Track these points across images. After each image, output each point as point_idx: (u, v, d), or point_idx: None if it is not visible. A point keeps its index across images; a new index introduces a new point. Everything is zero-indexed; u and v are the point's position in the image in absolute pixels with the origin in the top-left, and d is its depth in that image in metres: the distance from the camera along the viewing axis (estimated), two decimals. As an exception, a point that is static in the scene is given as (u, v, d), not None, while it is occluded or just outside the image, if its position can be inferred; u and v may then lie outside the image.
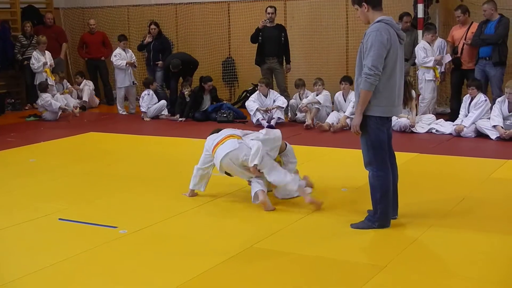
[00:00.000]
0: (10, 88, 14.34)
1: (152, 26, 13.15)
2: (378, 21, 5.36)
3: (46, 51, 13.17)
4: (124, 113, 13.12)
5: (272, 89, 11.57)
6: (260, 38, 11.80)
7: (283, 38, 11.80)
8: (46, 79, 12.90)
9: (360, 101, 5.31)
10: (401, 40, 5.47)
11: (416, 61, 10.76)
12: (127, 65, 12.88)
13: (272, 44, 11.74)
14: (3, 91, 13.95)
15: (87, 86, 13.87)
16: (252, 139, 6.36)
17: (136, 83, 13.22)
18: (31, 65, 12.99)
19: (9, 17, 14.49)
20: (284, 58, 11.93)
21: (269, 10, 11.80)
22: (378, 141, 5.40)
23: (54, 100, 12.37)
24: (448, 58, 10.60)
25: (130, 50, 13.29)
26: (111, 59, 13.05)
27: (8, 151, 9.54)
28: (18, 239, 5.62)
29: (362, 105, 5.31)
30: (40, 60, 12.99)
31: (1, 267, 4.94)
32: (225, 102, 12.37)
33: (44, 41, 13.12)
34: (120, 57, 12.96)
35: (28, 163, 8.55)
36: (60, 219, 6.06)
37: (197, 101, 11.99)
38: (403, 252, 5.02)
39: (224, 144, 6.38)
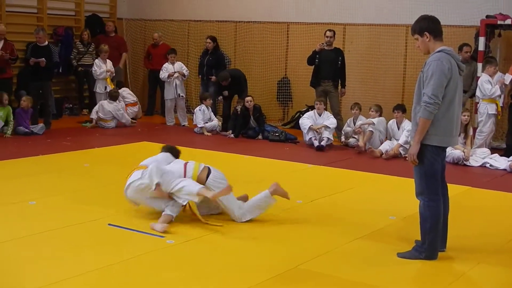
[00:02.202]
0: (68, 93, 14.70)
1: (208, 40, 13.32)
2: (439, 51, 5.34)
3: (107, 60, 13.46)
4: (171, 124, 13.32)
5: (326, 111, 11.57)
6: (317, 60, 11.82)
7: (339, 62, 11.80)
8: (106, 87, 13.19)
9: (419, 129, 5.27)
10: (461, 71, 5.43)
11: (478, 93, 10.61)
12: (169, 77, 13.08)
13: (328, 67, 11.75)
14: (62, 96, 14.29)
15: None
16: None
17: (182, 96, 13.37)
18: (93, 72, 13.30)
19: (73, 24, 14.87)
20: (339, 81, 11.91)
21: (328, 33, 11.82)
22: (432, 171, 5.35)
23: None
24: (509, 77, 10.42)
25: (181, 63, 13.47)
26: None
27: (64, 154, 9.77)
28: (67, 241, 5.73)
29: (420, 134, 5.27)
30: (102, 67, 13.29)
31: (47, 267, 5.04)
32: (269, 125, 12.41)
33: (106, 50, 13.42)
34: (167, 70, 13.19)
35: (82, 167, 8.73)
36: (109, 224, 6.16)
37: (245, 119, 12.07)
38: (449, 286, 4.95)
39: (130, 176, 6.37)
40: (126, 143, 10.88)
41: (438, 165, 5.42)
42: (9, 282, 4.70)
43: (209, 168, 6.48)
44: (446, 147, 5.55)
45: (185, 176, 6.32)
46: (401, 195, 7.64)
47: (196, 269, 5.10)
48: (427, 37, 5.40)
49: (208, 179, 6.37)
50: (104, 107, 12.66)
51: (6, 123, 11.26)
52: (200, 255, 5.46)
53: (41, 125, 11.80)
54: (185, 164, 6.48)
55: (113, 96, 12.82)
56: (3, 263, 5.09)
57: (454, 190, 6.99)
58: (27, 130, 11.43)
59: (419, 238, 5.50)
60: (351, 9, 12.95)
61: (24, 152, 9.81)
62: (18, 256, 5.28)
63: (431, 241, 5.40)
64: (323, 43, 11.85)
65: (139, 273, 4.99)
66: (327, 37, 11.80)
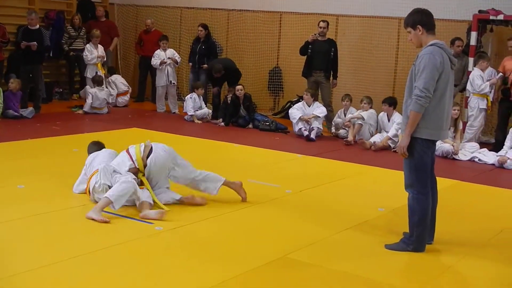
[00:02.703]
0: (59, 78, 14.63)
1: (200, 28, 13.29)
2: (431, 44, 5.35)
3: (99, 45, 13.39)
4: (161, 111, 13.31)
5: (317, 101, 11.59)
6: (309, 51, 11.81)
7: (332, 53, 11.80)
8: (97, 72, 13.14)
9: (409, 122, 5.29)
10: (453, 65, 5.44)
11: (468, 88, 10.65)
12: (161, 65, 13.04)
13: (320, 58, 11.74)
14: (52, 80, 14.22)
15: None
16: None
17: (174, 83, 13.33)
18: (84, 57, 13.24)
19: (65, 8, 14.77)
20: (331, 72, 11.92)
21: (321, 24, 11.81)
22: (422, 164, 5.37)
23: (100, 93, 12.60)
24: (500, 75, 10.50)
25: (173, 50, 13.43)
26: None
27: (53, 139, 9.74)
28: (56, 225, 5.72)
29: (411, 127, 5.29)
30: (93, 53, 13.23)
31: (36, 251, 5.03)
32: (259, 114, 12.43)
33: (97, 35, 13.36)
34: (158, 57, 13.14)
35: (71, 152, 8.69)
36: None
37: (235, 108, 12.06)
38: (436, 279, 4.98)
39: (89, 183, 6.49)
40: (116, 129, 10.84)
41: (428, 158, 5.44)
42: (-3, 265, 4.70)
43: (151, 148, 6.49)
44: (436, 141, 5.57)
45: (132, 161, 6.40)
46: (390, 187, 7.67)
47: (184, 256, 5.11)
48: (419, 30, 5.40)
49: (148, 159, 6.40)
50: (98, 96, 12.58)
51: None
52: (188, 242, 5.46)
53: (30, 108, 11.73)
54: (128, 151, 6.51)
55: (98, 82, 12.74)
56: (-10, 246, 5.07)
57: (442, 184, 7.03)
58: (16, 113, 11.36)
59: (407, 230, 5.53)
60: (345, 0, 12.93)
61: (13, 135, 9.75)
62: (7, 239, 5.26)
63: (419, 233, 5.43)
64: (315, 34, 11.84)
65: (128, 258, 4.99)
66: (321, 27, 11.79)
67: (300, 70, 12.25)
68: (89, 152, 6.95)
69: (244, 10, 14.22)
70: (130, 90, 14.00)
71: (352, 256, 5.35)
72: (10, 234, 5.42)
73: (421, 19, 5.41)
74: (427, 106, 5.23)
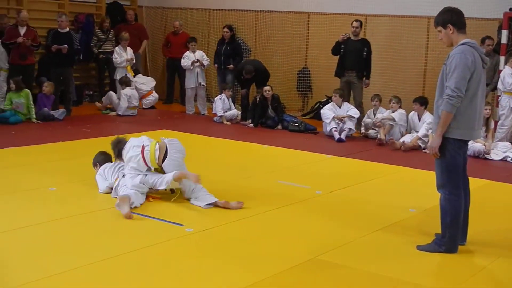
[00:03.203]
0: (89, 80, 14.77)
1: (225, 29, 13.29)
2: (462, 44, 5.29)
3: (128, 47, 13.50)
4: (191, 112, 13.36)
5: (348, 102, 11.54)
6: (342, 50, 11.75)
7: (365, 53, 11.72)
8: (126, 75, 13.25)
9: (441, 122, 5.24)
10: (484, 64, 5.38)
11: (499, 86, 10.51)
12: (193, 65, 13.09)
13: (353, 58, 11.66)
14: (83, 83, 14.36)
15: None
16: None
17: (203, 85, 13.37)
18: (113, 60, 13.34)
19: (94, 11, 14.92)
20: (364, 72, 11.82)
21: (354, 24, 11.73)
22: (453, 164, 5.31)
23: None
24: None
25: (201, 52, 13.47)
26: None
27: (84, 141, 9.83)
28: (87, 227, 5.77)
29: (442, 127, 5.24)
30: (122, 55, 13.33)
31: (68, 253, 5.08)
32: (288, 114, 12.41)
33: (126, 38, 13.45)
34: (188, 58, 13.19)
35: (102, 154, 8.75)
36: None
37: (263, 109, 12.06)
38: (469, 280, 4.92)
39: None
40: (146, 131, 10.90)
41: (460, 159, 5.38)
42: (31, 267, 4.75)
43: (165, 151, 6.59)
44: (468, 141, 5.51)
45: (148, 166, 6.57)
46: (421, 188, 7.61)
47: (215, 258, 5.12)
48: (450, 30, 5.35)
49: (163, 164, 6.58)
50: (134, 95, 12.76)
51: (27, 109, 11.34)
52: (219, 244, 5.47)
53: (62, 110, 11.89)
54: (142, 149, 6.59)
55: (126, 82, 12.86)
56: (24, 248, 5.13)
57: (474, 184, 6.94)
58: (48, 113, 11.51)
59: (439, 231, 5.48)
60: (373, 0, 12.87)
61: (44, 138, 9.88)
62: (39, 241, 5.33)
63: (452, 234, 5.37)
64: (346, 34, 11.78)
65: (159, 260, 5.01)
66: (354, 27, 11.72)
67: (328, 71, 12.21)
68: (98, 161, 7.03)
69: (272, 11, 14.21)
70: (153, 90, 13.99)
71: (384, 257, 5.31)
72: (42, 236, 5.48)
73: (452, 18, 5.35)
74: (459, 106, 5.18)
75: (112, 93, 13.00)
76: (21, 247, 5.17)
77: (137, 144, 6.65)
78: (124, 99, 12.58)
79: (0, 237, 5.37)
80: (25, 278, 4.52)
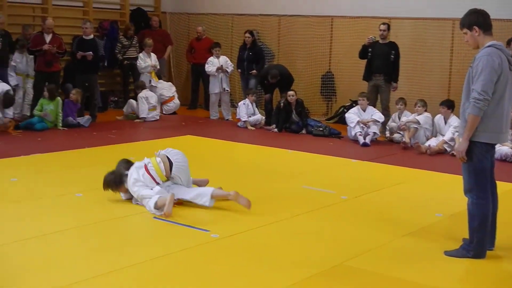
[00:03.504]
0: (113, 87, 14.87)
1: (247, 35, 13.30)
2: (488, 46, 5.24)
3: (152, 53, 13.57)
4: (214, 117, 13.39)
5: (375, 106, 11.50)
6: (369, 54, 11.70)
7: (392, 56, 11.64)
8: (150, 81, 13.34)
9: (468, 126, 5.18)
10: (511, 66, 5.31)
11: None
12: (217, 71, 13.12)
13: (380, 61, 11.59)
14: (107, 89, 14.47)
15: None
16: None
17: (227, 90, 13.40)
18: (137, 66, 13.43)
19: (118, 18, 15.02)
20: (391, 76, 11.71)
21: (382, 27, 11.66)
22: (481, 168, 5.26)
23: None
24: None
25: (225, 57, 13.50)
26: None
27: (109, 147, 9.89)
28: (113, 233, 5.81)
29: (469, 131, 5.18)
30: (146, 61, 13.41)
31: (94, 259, 5.10)
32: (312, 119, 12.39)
33: (150, 44, 13.53)
34: (212, 64, 13.22)
35: (127, 160, 8.81)
36: (154, 217, 6.21)
37: (287, 114, 12.04)
38: (497, 286, 4.87)
39: None
40: (170, 136, 10.95)
41: (487, 162, 5.32)
42: (58, 273, 4.78)
43: (168, 160, 6.64)
44: (495, 144, 5.45)
45: (156, 182, 6.57)
46: (447, 192, 7.54)
47: (240, 264, 5.11)
48: (476, 32, 5.30)
49: (172, 172, 6.65)
50: (150, 95, 12.87)
51: (56, 116, 11.45)
52: (244, 249, 5.46)
53: (87, 117, 11.99)
54: (146, 167, 6.60)
55: (141, 86, 12.98)
56: (51, 254, 5.17)
57: (502, 188, 6.85)
58: (74, 121, 11.62)
59: (467, 236, 5.42)
60: (396, 2, 12.79)
61: (70, 144, 9.95)
62: (65, 247, 5.36)
63: (480, 239, 5.31)
64: (372, 37, 11.72)
65: (186, 266, 5.02)
66: (381, 30, 11.66)
67: (352, 74, 12.18)
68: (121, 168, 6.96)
69: (295, 15, 14.20)
70: (175, 96, 14.03)
71: (411, 263, 5.27)
72: (69, 242, 5.52)
73: (478, 20, 5.30)
74: (486, 109, 5.12)
75: (131, 100, 13.08)
76: (50, 252, 5.20)
77: (138, 166, 6.67)
78: (143, 101, 12.67)
79: (30, 243, 5.41)
80: (55, 284, 4.55)
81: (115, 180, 6.67)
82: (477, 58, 5.23)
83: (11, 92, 11.13)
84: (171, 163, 6.63)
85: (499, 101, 5.21)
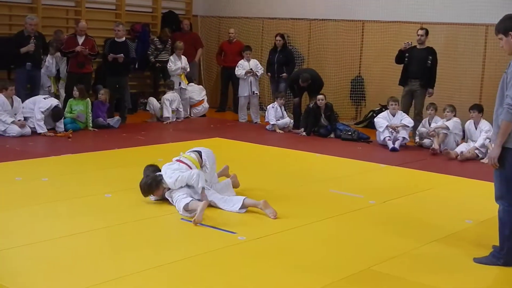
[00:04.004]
0: (144, 89, 14.98)
1: (278, 38, 13.33)
2: (522, 51, 5.17)
3: (182, 56, 13.65)
4: (243, 120, 13.42)
5: (408, 111, 11.48)
6: (406, 59, 11.62)
7: (429, 61, 11.53)
8: (180, 83, 13.42)
9: (501, 132, 5.12)
10: None
11: None
12: (247, 74, 13.15)
13: (416, 66, 11.49)
14: (138, 91, 14.58)
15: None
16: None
17: (256, 93, 13.42)
18: (168, 67, 13.53)
19: (150, 21, 15.14)
20: (428, 81, 11.57)
21: (420, 32, 11.55)
22: None
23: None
24: None
25: (256, 60, 13.53)
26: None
27: (138, 149, 9.97)
28: (141, 234, 5.84)
29: (502, 137, 5.12)
30: (177, 64, 13.49)
31: (123, 259, 5.14)
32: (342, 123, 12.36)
33: (181, 47, 13.61)
34: (242, 67, 13.26)
35: (157, 162, 8.82)
36: (182, 219, 6.24)
37: (316, 117, 12.02)
38: (528, 294, 4.80)
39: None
40: (198, 139, 10.99)
41: None
42: (86, 272, 4.82)
43: (199, 152, 6.95)
44: None
45: (188, 166, 6.74)
46: (478, 199, 7.46)
47: (267, 267, 5.10)
48: (511, 37, 5.23)
49: (203, 159, 6.90)
50: (174, 98, 13.03)
51: (86, 116, 11.57)
52: (272, 252, 5.45)
53: (117, 118, 12.09)
54: (178, 160, 6.82)
55: (168, 85, 13.24)
56: (82, 254, 5.21)
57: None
58: (104, 122, 11.72)
59: (497, 244, 5.34)
60: (428, 7, 12.69)
61: (100, 145, 10.05)
62: (95, 247, 5.41)
63: (510, 247, 5.23)
64: (408, 42, 11.64)
65: (212, 268, 5.03)
66: (419, 35, 11.58)
67: (382, 79, 12.13)
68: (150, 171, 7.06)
69: (325, 19, 14.16)
70: (205, 100, 14.10)
71: (439, 269, 5.21)
72: (97, 242, 5.56)
73: None
74: None
75: (151, 98, 13.21)
76: (80, 252, 5.25)
77: (169, 164, 6.86)
78: (166, 104, 12.80)
79: (60, 242, 5.47)
80: (82, 283, 4.59)
81: (152, 183, 6.74)
82: (511, 65, 5.16)
83: (60, 106, 11.27)
84: (199, 152, 6.88)
85: (532, 107, 5.14)
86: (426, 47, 11.65)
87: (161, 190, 6.73)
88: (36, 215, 6.24)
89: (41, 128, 10.77)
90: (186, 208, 6.30)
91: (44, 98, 11.17)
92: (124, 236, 5.72)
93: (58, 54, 12.29)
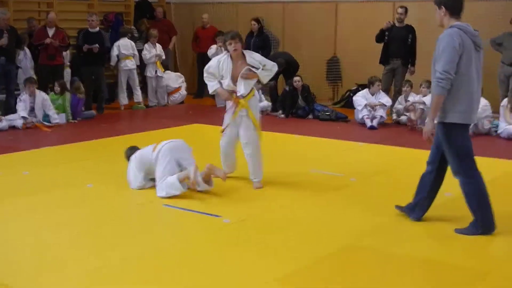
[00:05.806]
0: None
1: (253, 22, 13.33)
2: (451, 27, 5.29)
3: (157, 44, 13.61)
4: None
5: (389, 90, 11.56)
6: (386, 37, 11.68)
7: (410, 40, 11.62)
8: (156, 71, 13.39)
9: (433, 106, 5.28)
10: (478, 47, 5.33)
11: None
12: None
13: (397, 45, 11.57)
14: (114, 81, 14.49)
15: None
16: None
17: None
18: (143, 56, 13.47)
19: (123, 10, 15.05)
20: (409, 59, 11.70)
21: (399, 10, 11.62)
22: (462, 148, 5.35)
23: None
24: None
25: None
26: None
27: (117, 138, 9.95)
28: (125, 222, 5.88)
29: (434, 111, 5.28)
30: (151, 52, 13.45)
31: (107, 248, 5.16)
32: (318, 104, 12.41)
33: (155, 35, 13.56)
34: (215, 52, 13.24)
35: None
36: (164, 205, 6.27)
37: (293, 99, 12.06)
38: (505, 260, 4.91)
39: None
40: (178, 126, 11.01)
41: (468, 142, 5.40)
42: (69, 262, 4.85)
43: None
44: (470, 124, 5.48)
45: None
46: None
47: (254, 248, 5.17)
48: (443, 12, 5.33)
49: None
50: (126, 44, 13.15)
51: (64, 110, 11.49)
52: (257, 233, 5.52)
53: (91, 111, 12.03)
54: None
55: (121, 33, 13.42)
56: (65, 244, 5.24)
57: (508, 167, 6.90)
58: (81, 115, 11.70)
59: (474, 215, 5.47)
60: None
61: (80, 137, 10.01)
62: (78, 238, 5.43)
63: (484, 215, 5.38)
64: (389, 21, 11.70)
65: (200, 251, 5.08)
66: (398, 13, 11.65)
67: (358, 59, 12.13)
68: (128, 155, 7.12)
69: (299, 1, 14.19)
70: (182, 86, 14.08)
71: (419, 240, 5.37)
72: (81, 232, 5.59)
73: (447, 1, 5.32)
74: (456, 90, 5.18)
75: None
76: (63, 243, 5.28)
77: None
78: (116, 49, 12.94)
79: (44, 233, 5.49)
80: (69, 273, 4.62)
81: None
82: (439, 40, 5.33)
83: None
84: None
85: (468, 81, 5.27)
86: (406, 25, 11.72)
87: None
88: (19, 208, 6.23)
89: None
90: (181, 180, 6.37)
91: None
92: (108, 226, 5.74)
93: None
